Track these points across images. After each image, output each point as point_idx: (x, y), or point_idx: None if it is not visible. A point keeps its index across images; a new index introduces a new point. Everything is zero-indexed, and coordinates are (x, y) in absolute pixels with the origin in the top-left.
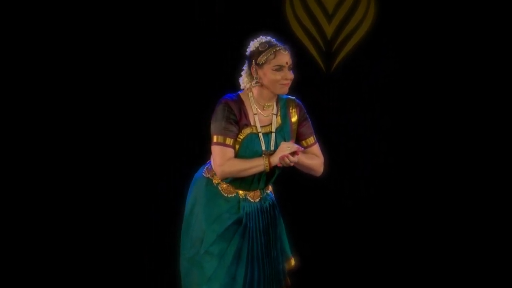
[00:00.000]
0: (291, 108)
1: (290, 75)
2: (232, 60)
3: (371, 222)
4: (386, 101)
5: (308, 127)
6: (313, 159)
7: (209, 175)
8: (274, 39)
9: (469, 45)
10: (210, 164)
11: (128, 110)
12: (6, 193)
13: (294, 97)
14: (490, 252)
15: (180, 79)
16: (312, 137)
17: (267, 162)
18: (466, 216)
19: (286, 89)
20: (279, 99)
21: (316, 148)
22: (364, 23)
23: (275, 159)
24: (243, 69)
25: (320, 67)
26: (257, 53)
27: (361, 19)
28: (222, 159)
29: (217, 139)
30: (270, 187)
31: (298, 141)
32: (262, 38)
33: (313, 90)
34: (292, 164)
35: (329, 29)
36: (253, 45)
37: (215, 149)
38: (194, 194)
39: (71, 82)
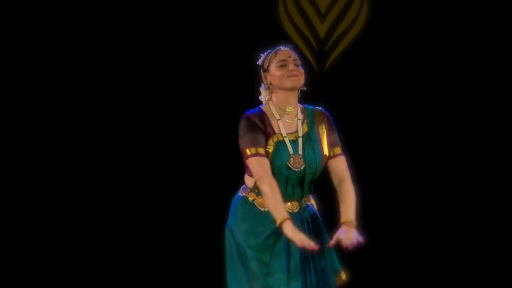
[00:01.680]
0: (318, 117)
1: (295, 67)
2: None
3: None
4: (380, 100)
5: (334, 136)
6: (348, 196)
7: (244, 194)
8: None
9: (462, 44)
10: (246, 185)
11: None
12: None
13: (320, 108)
14: (484, 250)
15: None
16: (338, 148)
17: (279, 222)
18: (462, 214)
19: (295, 81)
20: (305, 108)
21: (342, 161)
22: (357, 23)
23: (287, 230)
24: (261, 86)
25: (313, 67)
26: (262, 61)
27: (354, 18)
28: (261, 168)
29: (250, 151)
30: (312, 200)
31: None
32: (269, 50)
33: (306, 90)
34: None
35: (321, 29)
36: (260, 60)
37: (251, 162)
38: (233, 216)
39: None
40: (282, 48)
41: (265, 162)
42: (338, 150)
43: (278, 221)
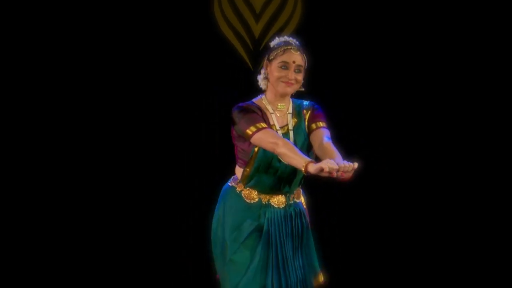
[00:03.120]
0: (305, 109)
1: (293, 75)
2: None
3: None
4: (314, 99)
5: (318, 114)
6: (331, 150)
7: (233, 184)
8: (295, 41)
9: (396, 43)
10: (236, 176)
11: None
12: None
13: (308, 101)
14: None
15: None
16: (322, 122)
17: (305, 164)
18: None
19: (288, 90)
20: (294, 102)
21: (323, 133)
22: (291, 22)
23: (312, 168)
24: (262, 70)
25: (248, 66)
26: (271, 49)
27: (288, 17)
28: (274, 137)
29: (251, 130)
30: (302, 197)
31: (308, 127)
32: (284, 38)
33: (242, 89)
34: (333, 173)
35: (256, 28)
36: (272, 43)
37: (256, 138)
38: (220, 205)
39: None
40: (292, 49)
41: (270, 131)
42: (321, 123)
43: (302, 168)
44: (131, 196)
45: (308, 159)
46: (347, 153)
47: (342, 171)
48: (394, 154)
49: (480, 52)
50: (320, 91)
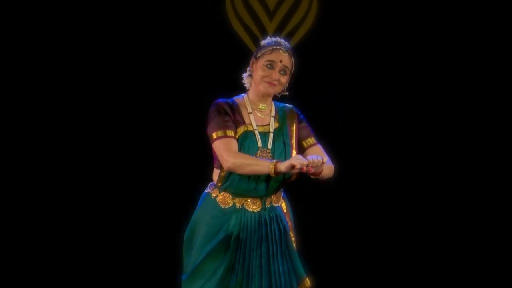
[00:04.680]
0: (289, 114)
1: (277, 75)
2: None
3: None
4: (327, 99)
5: (306, 129)
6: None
7: (209, 190)
8: (286, 43)
9: (408, 44)
10: (213, 181)
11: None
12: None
13: (291, 105)
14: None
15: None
16: (311, 138)
17: (273, 165)
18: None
19: (270, 90)
20: (276, 105)
21: (319, 149)
22: (306, 20)
23: (282, 166)
24: (248, 68)
25: None
26: (260, 47)
27: (303, 16)
28: (228, 150)
29: (217, 134)
30: (284, 202)
31: (298, 144)
32: (276, 38)
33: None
34: (303, 168)
35: (270, 27)
36: (263, 41)
37: (217, 144)
38: (196, 212)
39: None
40: (281, 50)
41: (233, 143)
42: (311, 140)
43: (271, 171)
44: (132, 196)
45: (274, 160)
46: (352, 151)
47: (311, 166)
48: (399, 153)
49: (486, 53)
50: (328, 89)
